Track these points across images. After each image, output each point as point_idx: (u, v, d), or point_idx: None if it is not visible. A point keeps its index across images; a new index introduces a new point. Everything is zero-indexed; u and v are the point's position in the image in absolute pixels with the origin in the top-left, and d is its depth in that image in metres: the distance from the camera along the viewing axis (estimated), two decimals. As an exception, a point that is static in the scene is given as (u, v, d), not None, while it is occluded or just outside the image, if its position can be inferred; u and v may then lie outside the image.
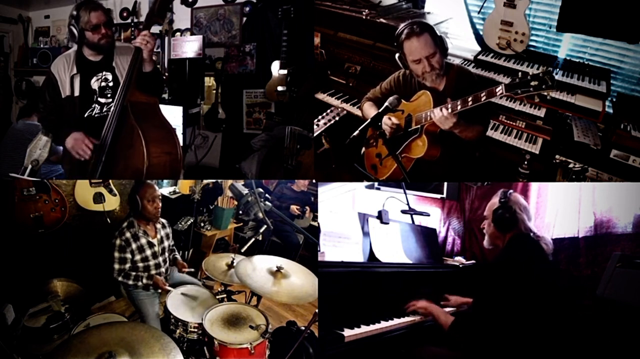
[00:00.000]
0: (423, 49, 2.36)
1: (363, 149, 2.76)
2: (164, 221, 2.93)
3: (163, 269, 2.83)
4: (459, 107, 2.21)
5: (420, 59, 2.38)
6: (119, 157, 2.43)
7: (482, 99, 2.14)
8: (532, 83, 2.00)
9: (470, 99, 2.17)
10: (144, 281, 2.66)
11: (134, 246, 2.70)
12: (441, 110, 2.24)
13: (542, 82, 1.99)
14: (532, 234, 2.15)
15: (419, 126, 2.41)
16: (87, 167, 2.47)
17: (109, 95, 2.55)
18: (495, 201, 2.21)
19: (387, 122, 2.47)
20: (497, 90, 2.10)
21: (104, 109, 2.55)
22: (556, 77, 2.85)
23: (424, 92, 2.44)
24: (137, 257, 2.72)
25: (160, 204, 2.80)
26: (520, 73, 2.06)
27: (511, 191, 2.21)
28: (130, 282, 2.66)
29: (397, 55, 2.49)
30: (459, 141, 2.39)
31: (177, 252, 3.04)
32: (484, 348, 1.92)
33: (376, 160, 2.67)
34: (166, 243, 2.90)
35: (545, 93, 2.10)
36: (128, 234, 2.69)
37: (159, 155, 2.39)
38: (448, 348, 2.12)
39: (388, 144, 2.30)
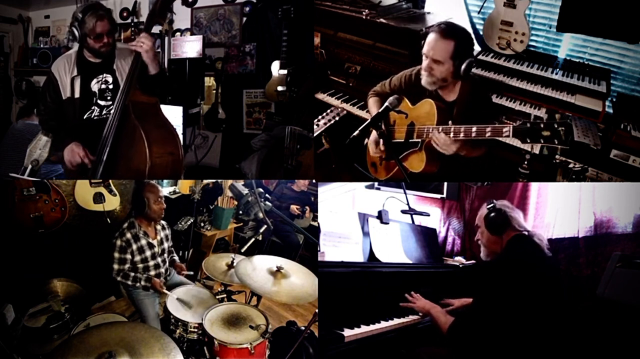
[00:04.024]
0: (434, 49, 2.24)
1: (365, 140, 2.66)
2: (163, 222, 2.93)
3: (162, 270, 2.84)
4: (461, 135, 2.09)
5: (427, 55, 2.28)
6: (120, 158, 2.42)
7: (487, 135, 2.05)
8: (544, 133, 1.83)
9: (474, 129, 2.08)
10: (143, 282, 2.66)
11: (134, 246, 2.70)
12: (446, 134, 2.13)
13: (555, 136, 1.81)
14: (526, 232, 2.17)
15: (419, 140, 2.34)
16: (88, 168, 2.46)
17: (108, 98, 2.53)
18: (483, 211, 2.27)
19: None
20: (503, 130, 2.00)
21: (104, 112, 2.53)
22: (556, 77, 2.85)
23: (427, 101, 2.34)
24: (137, 258, 2.72)
25: (165, 205, 2.80)
26: (532, 116, 1.93)
27: (494, 200, 2.28)
28: (129, 282, 2.67)
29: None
30: (459, 159, 2.30)
31: (175, 254, 3.03)
32: (483, 348, 1.92)
33: (377, 159, 2.66)
34: (166, 244, 2.90)
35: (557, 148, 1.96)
36: (129, 235, 2.70)
37: (161, 155, 2.38)
38: (448, 348, 2.12)
39: (389, 149, 2.27)
